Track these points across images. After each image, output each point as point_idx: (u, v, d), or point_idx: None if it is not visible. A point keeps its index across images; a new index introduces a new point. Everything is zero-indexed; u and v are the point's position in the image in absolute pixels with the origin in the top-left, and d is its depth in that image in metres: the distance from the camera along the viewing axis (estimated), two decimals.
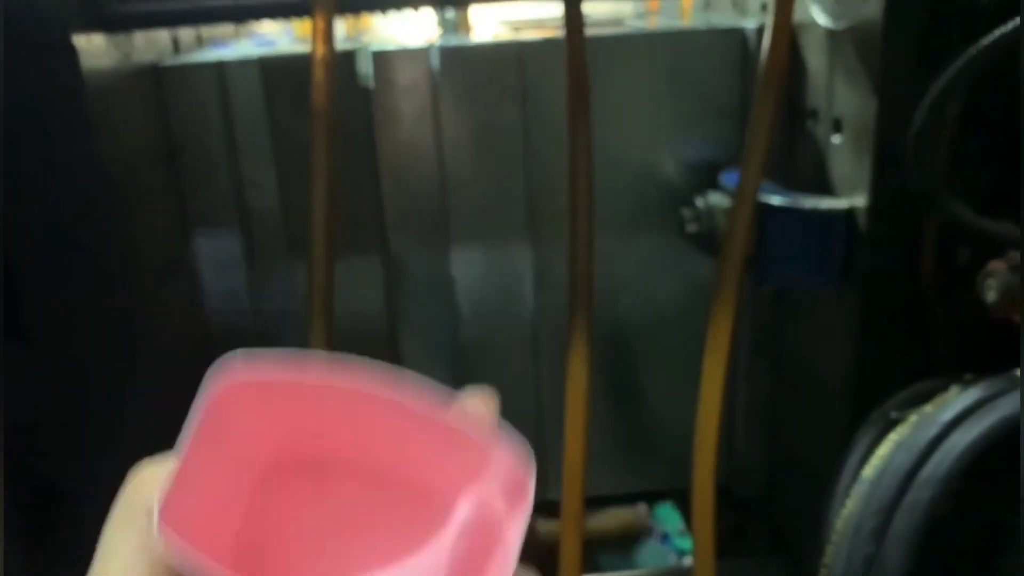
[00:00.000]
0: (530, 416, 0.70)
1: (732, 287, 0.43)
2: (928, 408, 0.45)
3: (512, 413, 0.75)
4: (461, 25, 0.71)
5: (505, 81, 0.62)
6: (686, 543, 1.40)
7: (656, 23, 0.73)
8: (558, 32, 0.50)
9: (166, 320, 0.57)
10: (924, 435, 0.43)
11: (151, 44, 0.59)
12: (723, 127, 0.64)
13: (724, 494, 0.83)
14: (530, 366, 0.70)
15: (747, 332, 0.70)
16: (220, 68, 0.60)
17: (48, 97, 0.44)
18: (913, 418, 0.45)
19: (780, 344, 0.69)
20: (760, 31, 0.59)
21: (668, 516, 1.55)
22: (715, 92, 0.63)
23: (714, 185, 0.62)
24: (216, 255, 0.63)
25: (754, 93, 0.47)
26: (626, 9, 0.78)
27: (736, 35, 0.62)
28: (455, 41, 0.64)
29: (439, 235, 0.65)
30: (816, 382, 0.63)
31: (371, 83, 0.61)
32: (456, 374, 0.70)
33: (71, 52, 0.45)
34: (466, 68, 0.62)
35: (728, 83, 0.63)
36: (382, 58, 0.61)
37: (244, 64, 0.61)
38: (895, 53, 0.47)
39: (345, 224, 0.65)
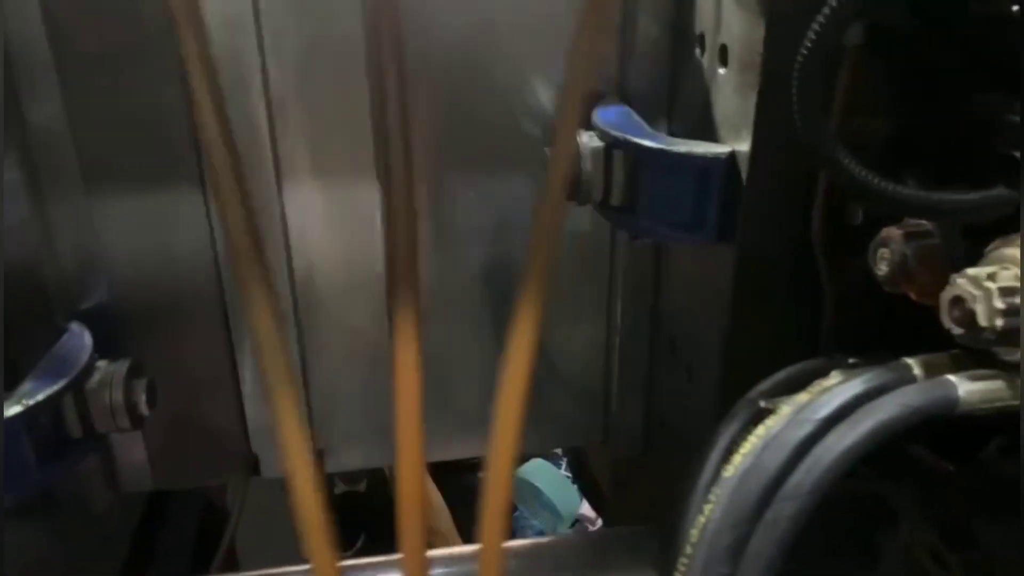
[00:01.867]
0: (383, 376, 0.61)
1: (546, 236, 0.35)
2: (802, 397, 0.38)
3: (364, 374, 0.64)
4: None
5: None
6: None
7: None
8: None
9: None
10: (794, 434, 0.36)
11: None
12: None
13: (601, 453, 0.77)
14: (382, 322, 0.61)
15: (626, 289, 0.62)
16: None
17: None
18: (785, 409, 0.38)
19: (659, 304, 0.62)
20: None
21: (541, 470, 1.59)
22: None
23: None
24: None
25: None
26: None
27: None
28: None
29: (264, 167, 0.55)
30: (690, 350, 0.57)
31: None
32: (297, 331, 0.61)
33: None
34: None
35: None
36: None
37: None
38: None
39: (155, 144, 0.55)
